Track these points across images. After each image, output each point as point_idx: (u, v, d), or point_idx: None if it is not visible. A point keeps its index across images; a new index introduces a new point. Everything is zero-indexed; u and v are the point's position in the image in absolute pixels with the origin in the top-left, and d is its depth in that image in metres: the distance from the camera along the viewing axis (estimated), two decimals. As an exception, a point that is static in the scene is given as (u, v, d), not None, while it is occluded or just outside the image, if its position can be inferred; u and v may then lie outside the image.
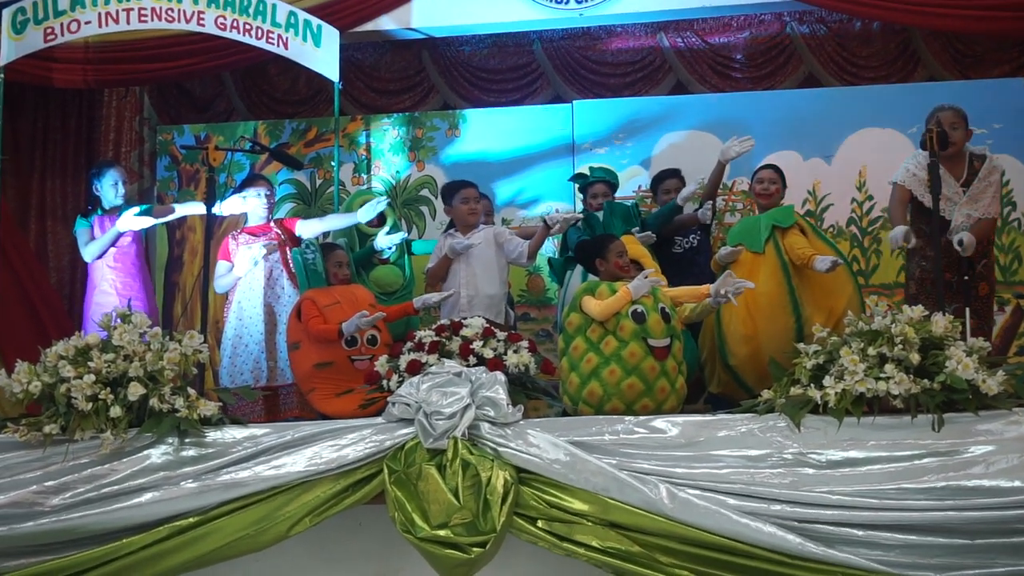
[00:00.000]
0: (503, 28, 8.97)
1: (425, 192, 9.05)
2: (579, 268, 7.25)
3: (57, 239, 9.27)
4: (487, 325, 6.04)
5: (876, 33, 9.02)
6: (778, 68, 9.14)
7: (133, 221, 7.27)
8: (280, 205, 8.89)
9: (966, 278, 6.47)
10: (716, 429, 5.45)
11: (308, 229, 7.47)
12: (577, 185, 8.03)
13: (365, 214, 7.40)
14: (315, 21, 8.06)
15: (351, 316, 6.47)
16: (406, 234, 8.04)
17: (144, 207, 7.58)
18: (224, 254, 7.37)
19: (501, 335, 5.95)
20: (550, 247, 7.90)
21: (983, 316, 6.78)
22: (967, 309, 6.27)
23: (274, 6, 8.02)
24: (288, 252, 7.34)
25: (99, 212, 7.52)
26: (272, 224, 7.52)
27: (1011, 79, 8.59)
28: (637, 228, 7.30)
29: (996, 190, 6.78)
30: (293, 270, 7.28)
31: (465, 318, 6.18)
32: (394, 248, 7.60)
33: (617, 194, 7.85)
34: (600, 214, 7.46)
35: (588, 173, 7.89)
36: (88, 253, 7.41)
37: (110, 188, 7.52)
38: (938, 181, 6.26)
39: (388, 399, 5.69)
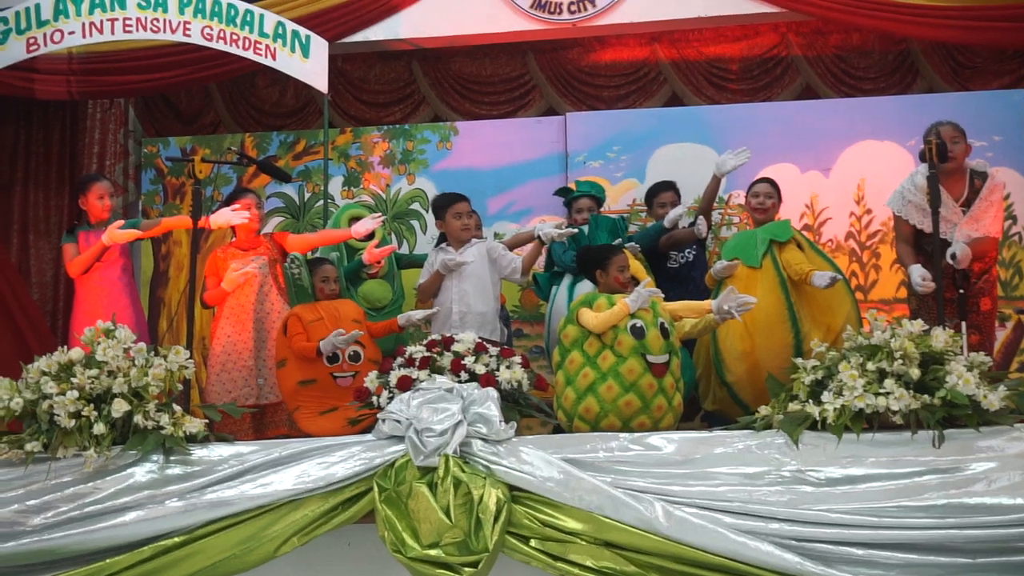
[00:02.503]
0: (495, 39, 8.88)
1: (415, 206, 8.96)
2: (565, 283, 7.25)
3: (40, 254, 9.18)
4: (479, 340, 5.96)
5: (874, 44, 8.95)
6: (775, 80, 9.08)
7: (118, 235, 7.17)
8: (268, 218, 8.80)
9: (961, 291, 6.41)
10: (713, 446, 5.43)
11: (299, 244, 7.37)
12: (563, 200, 7.97)
13: (362, 227, 7.29)
14: (303, 32, 7.97)
15: (329, 335, 6.41)
16: (395, 247, 7.96)
17: (131, 221, 7.49)
18: (212, 270, 7.28)
19: (493, 350, 5.91)
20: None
21: (985, 331, 6.73)
22: (963, 324, 6.20)
23: (261, 16, 7.94)
24: (279, 267, 7.26)
25: (85, 226, 7.42)
26: (263, 238, 7.43)
27: (1011, 91, 8.51)
28: (620, 241, 7.22)
29: (998, 210, 6.75)
30: (283, 285, 7.20)
31: (456, 334, 6.10)
32: (383, 262, 7.51)
33: (613, 207, 7.78)
34: (585, 227, 7.39)
35: (574, 188, 7.84)
36: (73, 268, 7.32)
37: (95, 202, 7.42)
38: (937, 194, 6.21)
39: (378, 416, 5.64)
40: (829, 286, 6.39)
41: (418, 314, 6.87)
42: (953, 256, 6.38)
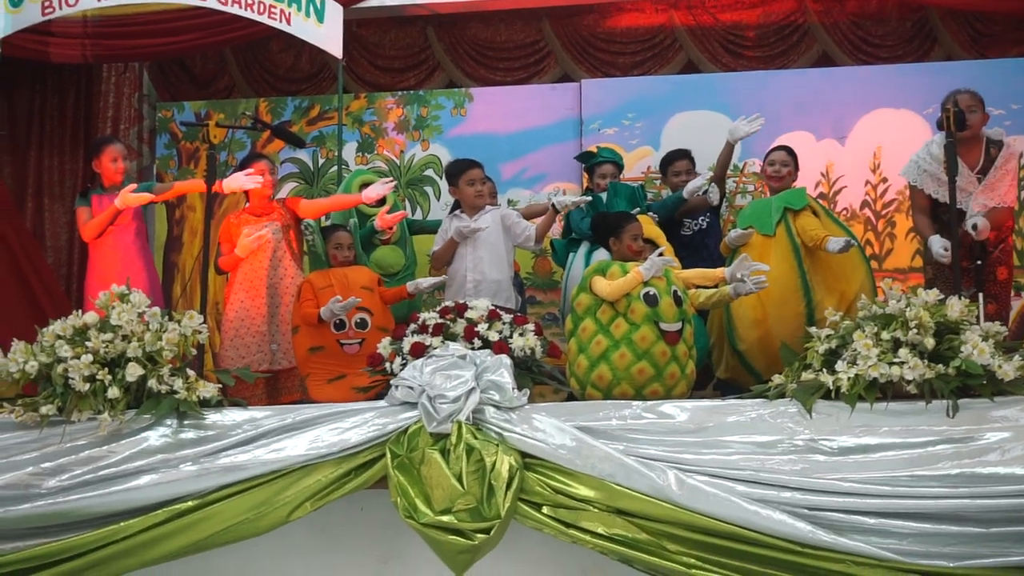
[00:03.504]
0: (511, 4, 8.86)
1: (429, 172, 8.95)
2: (582, 250, 7.19)
3: (54, 217, 9.18)
4: (492, 307, 5.96)
5: (892, 11, 8.85)
6: (791, 47, 9.00)
7: (131, 198, 7.16)
8: (282, 184, 8.79)
9: (979, 263, 6.38)
10: (725, 414, 5.42)
11: (311, 210, 7.36)
12: (583, 165, 7.93)
13: (372, 192, 7.27)
14: (319, -4, 7.96)
15: (328, 302, 6.43)
16: (408, 214, 7.94)
17: (144, 185, 7.48)
18: (226, 235, 7.27)
19: (507, 318, 5.91)
20: (553, 228, 7.77)
21: (1001, 301, 6.71)
22: (980, 295, 6.16)
23: (277, -20, 7.93)
24: (292, 233, 7.25)
25: (98, 190, 7.41)
26: (276, 204, 7.42)
27: (1029, 59, 8.45)
28: (639, 209, 7.19)
29: (1013, 178, 6.70)
30: (296, 251, 7.20)
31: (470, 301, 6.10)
32: (395, 227, 7.50)
33: (627, 175, 7.76)
34: (604, 195, 7.36)
35: (595, 152, 7.78)
36: (87, 232, 7.31)
37: (109, 164, 7.40)
38: (955, 162, 6.16)
39: (391, 382, 5.64)
40: (843, 250, 6.38)
41: (426, 282, 6.87)
42: (975, 227, 6.34)
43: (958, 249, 6.20)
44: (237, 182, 7.10)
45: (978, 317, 5.56)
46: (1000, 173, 6.63)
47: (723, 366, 6.85)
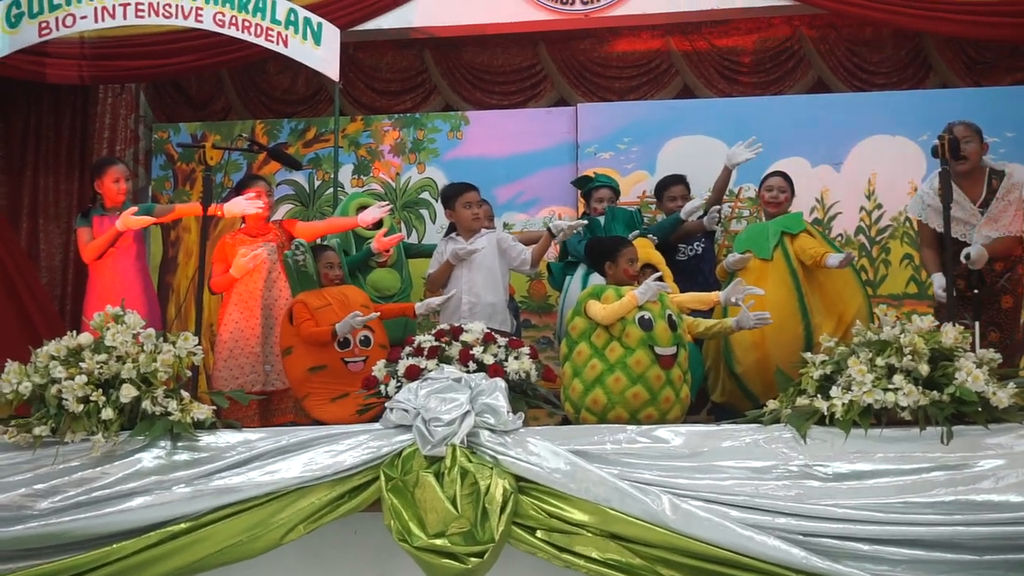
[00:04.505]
0: (507, 29, 8.85)
1: (425, 195, 8.95)
2: (579, 273, 7.20)
3: (49, 238, 9.16)
4: (488, 330, 5.95)
5: (887, 38, 8.90)
6: (787, 73, 9.03)
7: (132, 221, 7.16)
8: (278, 206, 8.79)
9: (975, 292, 6.38)
10: (720, 439, 5.41)
11: (307, 231, 7.36)
12: (580, 189, 7.95)
13: (369, 215, 7.28)
14: (315, 19, 7.95)
15: (343, 318, 6.39)
16: (405, 236, 7.94)
17: (145, 206, 7.48)
18: (221, 256, 7.26)
19: (502, 341, 5.91)
20: (549, 251, 7.77)
21: (1006, 329, 6.69)
22: (976, 324, 6.16)
23: (274, 3, 7.91)
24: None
25: (99, 210, 7.41)
26: (272, 225, 7.42)
27: (1024, 86, 8.49)
28: (637, 232, 7.19)
29: (1017, 207, 6.68)
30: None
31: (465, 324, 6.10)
32: (391, 250, 7.49)
33: (621, 200, 7.77)
34: (601, 219, 7.37)
35: (593, 176, 7.79)
36: (88, 253, 7.30)
37: (111, 185, 7.40)
38: (949, 189, 6.16)
39: (386, 405, 5.64)
40: (843, 264, 6.43)
41: (436, 300, 6.86)
42: (967, 257, 6.35)
43: (953, 277, 6.21)
44: (238, 207, 7.11)
45: (973, 345, 5.54)
46: (1003, 204, 6.64)
47: (719, 390, 6.86)
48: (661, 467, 5.32)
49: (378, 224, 7.44)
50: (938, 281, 6.50)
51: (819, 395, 5.39)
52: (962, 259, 6.38)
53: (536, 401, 5.95)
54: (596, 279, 6.60)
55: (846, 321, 6.45)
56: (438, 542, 5.22)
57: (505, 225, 8.49)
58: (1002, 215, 6.62)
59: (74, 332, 5.94)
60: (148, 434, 5.62)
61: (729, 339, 6.66)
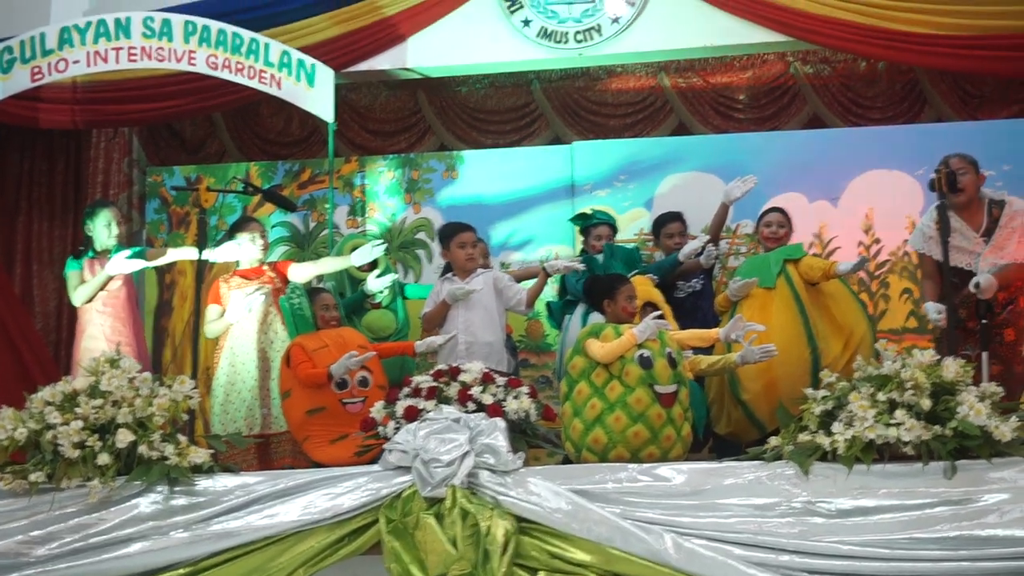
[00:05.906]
0: (501, 68, 8.90)
1: (421, 235, 8.95)
2: (578, 312, 7.19)
3: (43, 283, 9.15)
4: (486, 370, 5.93)
5: (882, 73, 8.94)
6: (782, 109, 9.07)
7: (123, 264, 7.14)
8: (273, 248, 8.77)
9: (984, 322, 6.35)
10: (722, 477, 5.38)
11: (301, 273, 7.35)
12: (578, 226, 7.93)
13: (360, 257, 7.27)
14: (309, 60, 7.98)
15: (340, 359, 6.36)
16: (396, 275, 7.91)
17: (136, 250, 7.47)
18: (215, 298, 7.25)
19: (501, 380, 5.88)
20: (549, 290, 7.77)
21: (1008, 362, 6.63)
22: (984, 354, 6.14)
23: (267, 45, 7.95)
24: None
25: (91, 254, 7.40)
26: (265, 267, 7.41)
27: (1020, 120, 8.51)
28: (636, 271, 7.18)
29: (1021, 235, 6.65)
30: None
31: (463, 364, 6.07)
32: (386, 291, 7.47)
33: (618, 237, 7.77)
34: (600, 256, 7.36)
35: (591, 213, 7.79)
36: (78, 297, 7.29)
37: (103, 229, 7.40)
38: (947, 222, 6.18)
39: (385, 446, 5.61)
40: (858, 268, 6.53)
41: (438, 339, 6.84)
42: (977, 285, 6.32)
43: (955, 310, 6.20)
44: (232, 251, 7.19)
45: (978, 375, 5.51)
46: (1007, 232, 6.62)
47: (724, 420, 6.82)
48: (663, 506, 5.29)
49: (373, 265, 7.42)
50: (931, 309, 6.46)
51: (821, 431, 5.35)
52: (971, 288, 6.34)
53: (536, 441, 5.93)
54: (596, 318, 6.58)
55: (853, 343, 6.50)
56: (439, 584, 5.19)
57: (502, 264, 8.48)
58: (1006, 242, 6.59)
59: (68, 377, 5.91)
60: (145, 479, 5.57)
61: (735, 367, 6.65)
